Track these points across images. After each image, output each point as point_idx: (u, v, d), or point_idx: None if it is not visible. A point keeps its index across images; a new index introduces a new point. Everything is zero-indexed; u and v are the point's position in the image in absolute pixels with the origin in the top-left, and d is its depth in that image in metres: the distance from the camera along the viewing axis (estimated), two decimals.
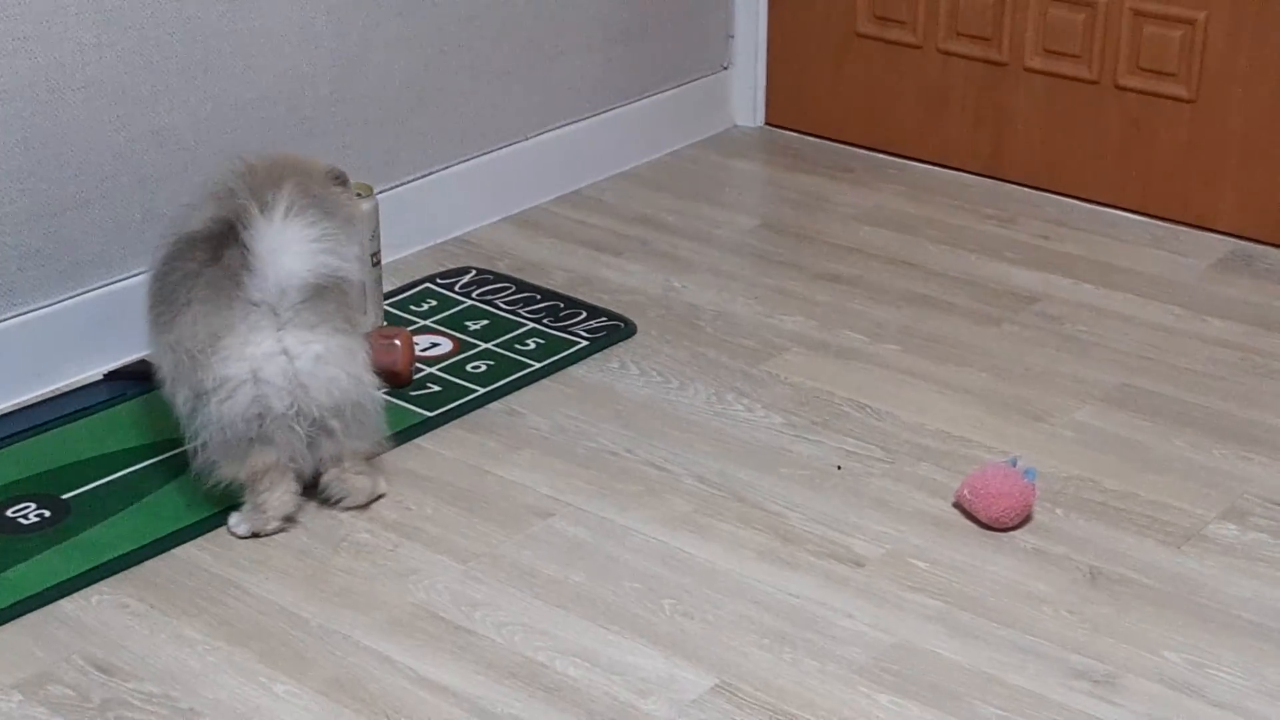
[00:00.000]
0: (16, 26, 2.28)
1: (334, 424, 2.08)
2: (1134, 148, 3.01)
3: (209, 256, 2.05)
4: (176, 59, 2.47)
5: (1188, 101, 2.93)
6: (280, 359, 2.03)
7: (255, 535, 2.10)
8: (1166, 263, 2.87)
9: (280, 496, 2.09)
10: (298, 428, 2.05)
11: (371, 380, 2.12)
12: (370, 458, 2.17)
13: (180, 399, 2.07)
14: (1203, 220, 2.97)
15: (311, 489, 2.15)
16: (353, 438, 2.11)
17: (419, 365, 2.49)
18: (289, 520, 2.12)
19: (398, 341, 2.42)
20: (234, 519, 2.11)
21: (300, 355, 2.04)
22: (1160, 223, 3.00)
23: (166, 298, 2.08)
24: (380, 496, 2.18)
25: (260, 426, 2.04)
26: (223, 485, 2.09)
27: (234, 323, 2.03)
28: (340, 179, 2.24)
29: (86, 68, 2.37)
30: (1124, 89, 2.99)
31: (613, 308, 2.69)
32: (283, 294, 2.02)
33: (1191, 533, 2.14)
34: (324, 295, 2.06)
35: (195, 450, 2.07)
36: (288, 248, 2.02)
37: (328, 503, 2.15)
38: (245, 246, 2.01)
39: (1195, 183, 2.96)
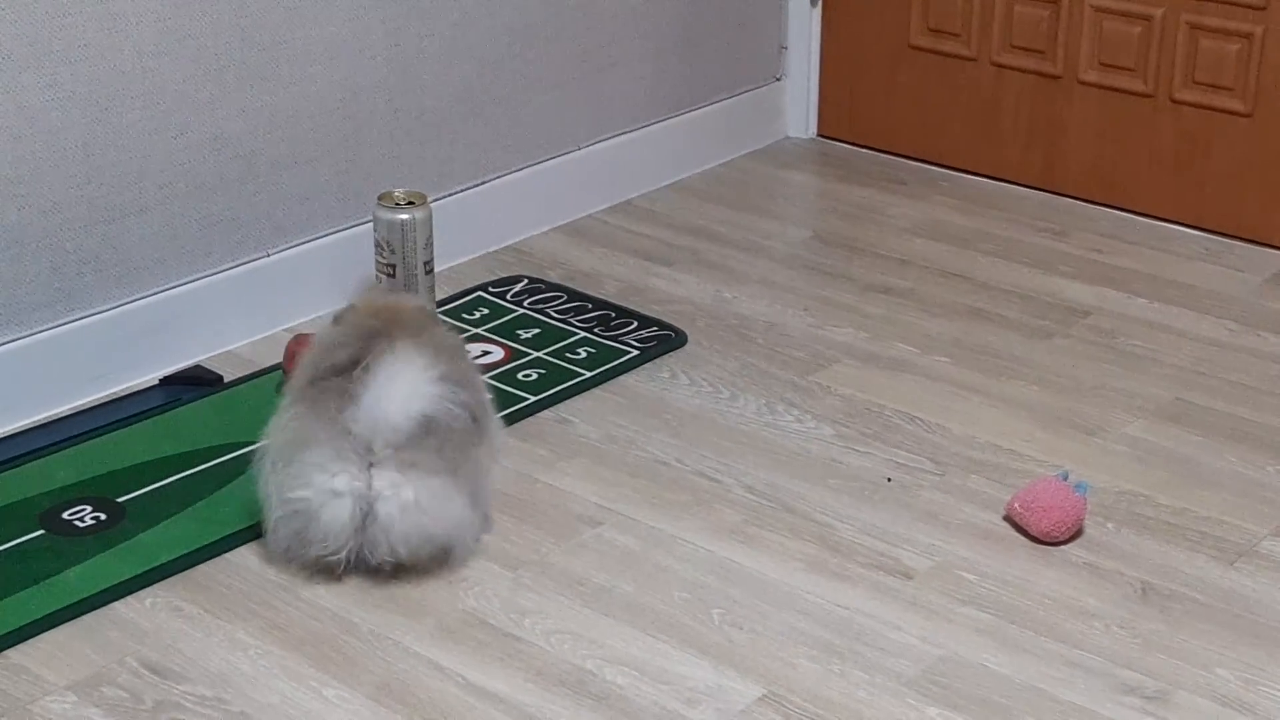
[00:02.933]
0: (77, 34, 2.31)
1: (406, 559, 2.00)
2: (1189, 161, 3.00)
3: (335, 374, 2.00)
4: (234, 68, 2.50)
5: (1244, 115, 2.92)
6: (347, 501, 1.94)
7: None
8: (1221, 277, 2.85)
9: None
10: (364, 556, 1.99)
11: (469, 519, 2.02)
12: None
13: (261, 481, 2.03)
14: (1258, 235, 2.95)
15: None
16: (424, 563, 2.03)
17: None
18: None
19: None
20: None
21: (388, 499, 1.95)
22: (1215, 237, 2.98)
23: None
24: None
25: (308, 550, 1.99)
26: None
27: (321, 442, 1.95)
28: (433, 316, 2.21)
29: (146, 75, 2.40)
30: (1179, 103, 2.98)
31: (664, 318, 2.70)
32: (377, 432, 1.94)
33: (1244, 549, 2.13)
34: (431, 431, 1.96)
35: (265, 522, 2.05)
36: (396, 391, 1.94)
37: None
38: (362, 374, 1.95)
39: (1251, 197, 2.95)
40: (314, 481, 1.95)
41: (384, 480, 1.95)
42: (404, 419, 1.95)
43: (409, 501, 1.96)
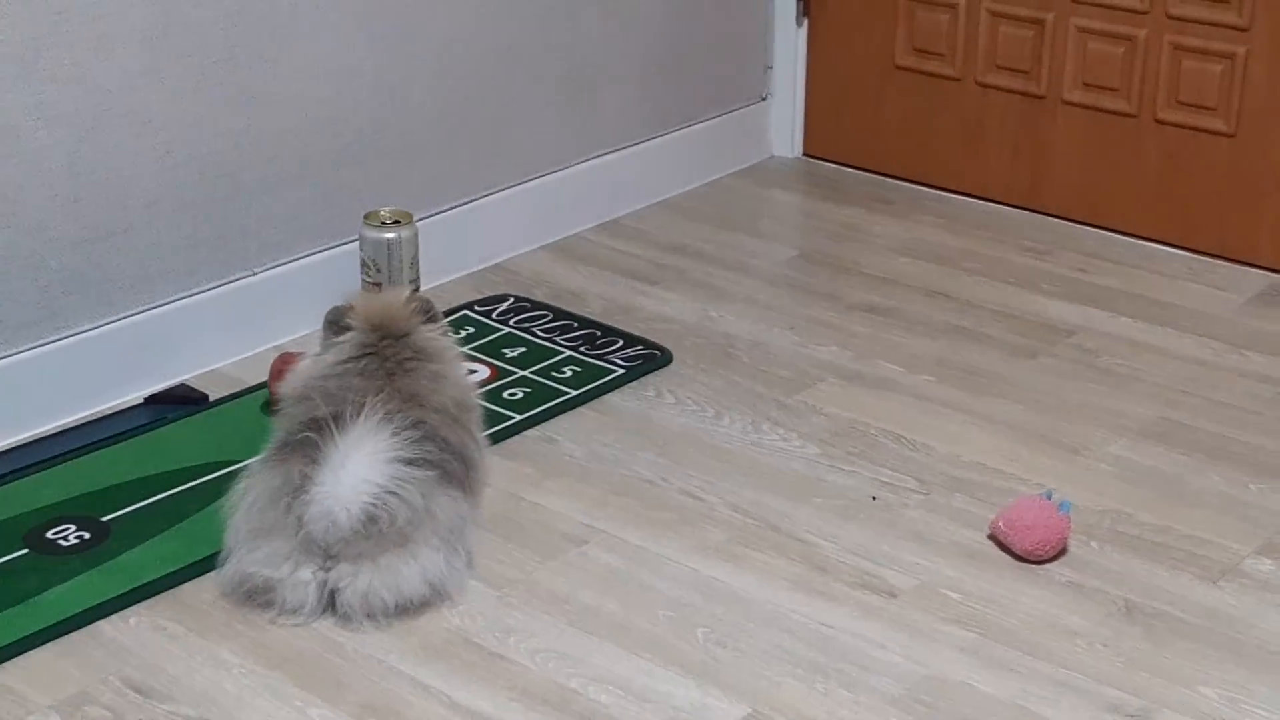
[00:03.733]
0: (64, 53, 2.31)
1: (382, 624, 2.01)
2: (1173, 181, 3.01)
3: (287, 452, 2.04)
4: (221, 87, 2.50)
5: (1227, 136, 2.93)
6: (312, 588, 1.99)
7: None
8: (1204, 297, 2.86)
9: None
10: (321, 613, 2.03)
11: (437, 567, 2.02)
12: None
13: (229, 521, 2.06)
14: (1241, 254, 2.96)
15: None
16: (404, 617, 2.03)
17: None
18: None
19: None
20: None
21: (344, 590, 1.99)
22: (1198, 256, 3.00)
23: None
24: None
25: (268, 610, 2.02)
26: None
27: (285, 532, 1.99)
28: (428, 312, 2.20)
29: (132, 95, 2.40)
30: (1163, 123, 2.99)
31: (649, 336, 2.70)
32: (328, 533, 1.97)
33: (1228, 568, 2.14)
34: (376, 518, 1.97)
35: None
36: (342, 490, 1.97)
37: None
38: (314, 462, 1.99)
39: (1234, 217, 2.96)
40: (280, 568, 2.00)
41: (338, 573, 1.99)
42: (347, 519, 1.97)
43: (365, 588, 1.99)
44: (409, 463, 2.01)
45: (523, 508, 2.25)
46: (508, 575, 2.11)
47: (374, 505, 1.98)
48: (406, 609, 2.01)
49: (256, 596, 2.01)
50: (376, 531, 1.98)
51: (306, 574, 1.99)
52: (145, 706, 1.88)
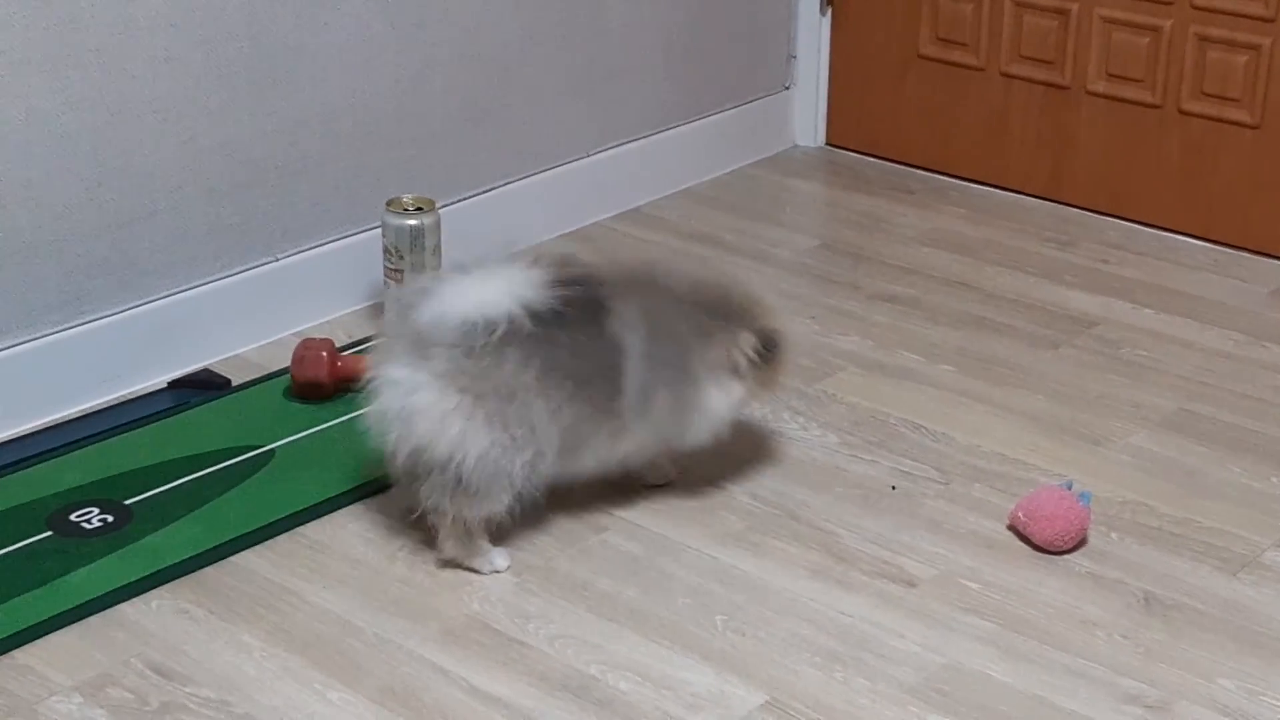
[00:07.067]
0: (88, 39, 2.32)
1: (420, 471, 2.03)
2: (1196, 173, 3.00)
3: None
4: (244, 74, 2.51)
5: (1252, 127, 2.92)
6: (393, 392, 2.01)
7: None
8: (1227, 288, 2.86)
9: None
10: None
11: (475, 441, 2.00)
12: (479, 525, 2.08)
13: None
14: (1265, 246, 2.95)
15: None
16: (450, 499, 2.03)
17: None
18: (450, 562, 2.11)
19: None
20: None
21: (394, 397, 2.01)
22: (1221, 248, 2.99)
23: None
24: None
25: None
26: None
27: (390, 335, 2.05)
28: (770, 344, 2.15)
29: (156, 81, 2.41)
30: (1187, 114, 2.98)
31: None
32: (437, 326, 1.99)
33: (1247, 560, 2.13)
34: (484, 350, 1.98)
35: None
36: (472, 294, 2.00)
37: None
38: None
39: (1258, 209, 2.95)
40: (378, 370, 2.04)
41: (409, 371, 2.00)
42: (455, 319, 1.98)
43: (418, 405, 1.99)
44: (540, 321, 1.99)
45: (543, 494, 2.25)
46: (528, 562, 2.12)
47: (481, 319, 1.97)
48: (422, 460, 2.00)
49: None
50: (468, 356, 1.97)
51: (391, 368, 2.01)
52: (166, 688, 1.89)
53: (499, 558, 2.09)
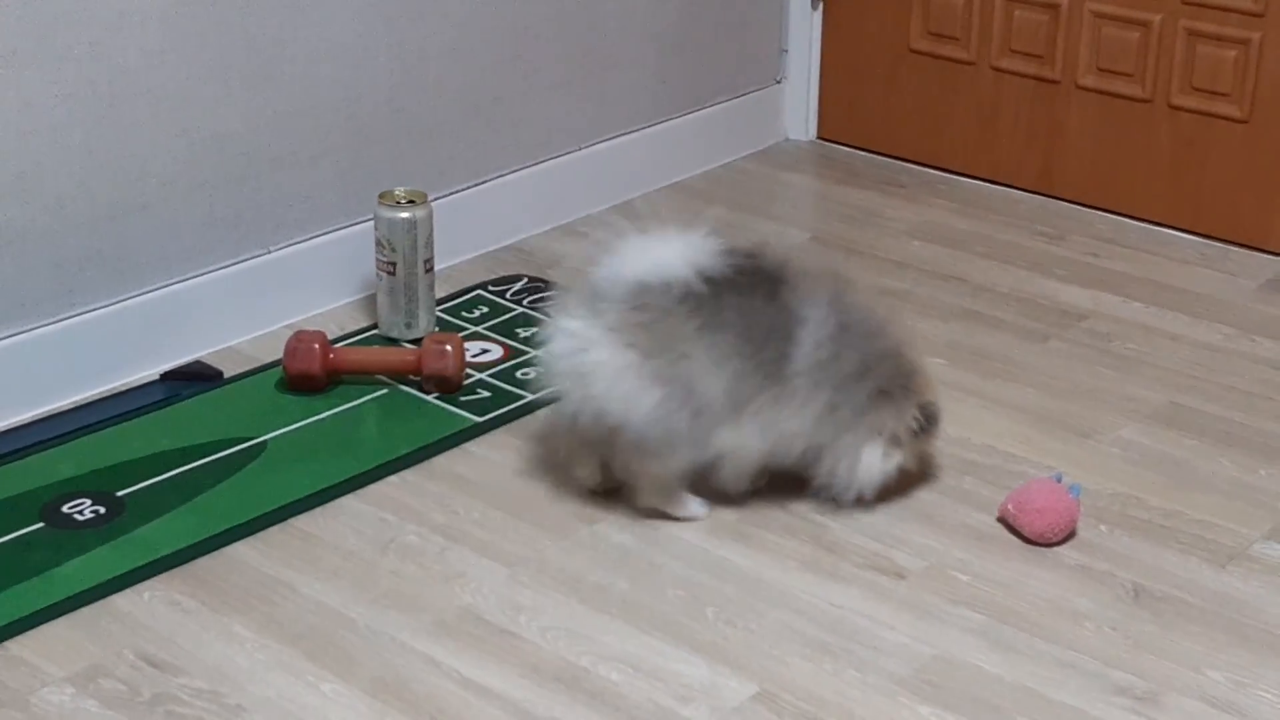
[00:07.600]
0: (82, 32, 2.32)
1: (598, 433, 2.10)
2: (1186, 167, 3.01)
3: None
4: (238, 67, 2.51)
5: (1241, 122, 2.93)
6: (566, 355, 2.09)
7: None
8: (1216, 282, 2.86)
9: (581, 471, 2.20)
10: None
11: (646, 407, 2.05)
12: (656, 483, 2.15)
13: None
14: (1254, 240, 2.96)
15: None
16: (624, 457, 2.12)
17: (469, 371, 2.52)
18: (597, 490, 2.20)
19: (449, 347, 2.45)
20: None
21: (574, 354, 2.08)
22: (1211, 242, 3.00)
23: None
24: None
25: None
26: None
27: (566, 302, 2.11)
28: (931, 419, 2.17)
29: (150, 73, 2.41)
30: (1177, 108, 2.99)
31: None
32: (613, 285, 2.06)
33: (1236, 552, 2.14)
34: (649, 306, 2.05)
35: None
36: (653, 254, 2.06)
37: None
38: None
39: (1247, 202, 2.96)
40: (554, 328, 2.12)
41: (583, 331, 2.08)
42: (630, 277, 2.05)
43: (592, 364, 2.06)
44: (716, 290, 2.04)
45: (534, 486, 2.26)
46: (519, 553, 2.12)
47: (657, 280, 2.03)
48: (602, 422, 2.08)
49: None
50: (643, 316, 2.03)
51: (570, 324, 2.08)
52: (158, 679, 1.89)
53: (697, 505, 2.17)
